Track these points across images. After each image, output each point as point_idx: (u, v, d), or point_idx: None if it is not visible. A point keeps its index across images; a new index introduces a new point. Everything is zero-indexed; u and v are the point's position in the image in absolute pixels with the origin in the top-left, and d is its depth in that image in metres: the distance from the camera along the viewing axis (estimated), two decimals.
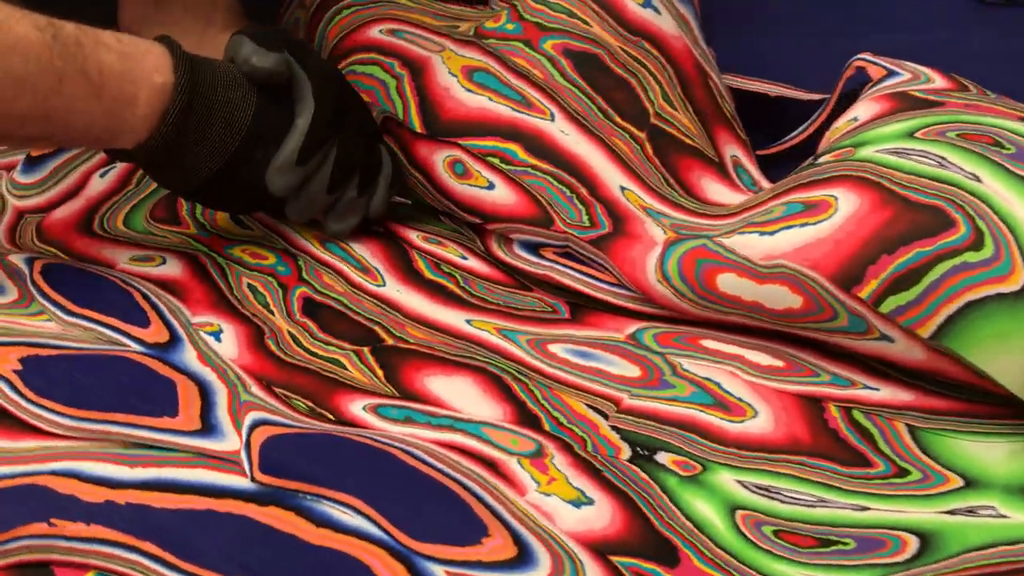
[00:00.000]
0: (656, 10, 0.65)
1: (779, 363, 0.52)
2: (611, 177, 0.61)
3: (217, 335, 0.55)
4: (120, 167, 0.71)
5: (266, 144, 0.56)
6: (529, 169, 0.61)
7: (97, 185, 0.70)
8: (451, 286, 0.60)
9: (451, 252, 0.63)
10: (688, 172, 0.63)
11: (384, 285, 0.60)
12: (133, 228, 0.66)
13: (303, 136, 0.56)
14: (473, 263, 0.62)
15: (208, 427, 0.47)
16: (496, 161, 0.61)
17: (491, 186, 0.61)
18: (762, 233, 0.52)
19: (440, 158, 0.63)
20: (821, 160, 0.55)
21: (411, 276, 0.61)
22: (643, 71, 0.63)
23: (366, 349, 0.55)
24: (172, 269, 0.61)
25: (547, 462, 0.46)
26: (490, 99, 0.63)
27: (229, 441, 0.47)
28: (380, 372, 0.53)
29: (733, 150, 0.65)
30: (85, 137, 0.55)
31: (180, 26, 0.73)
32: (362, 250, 0.63)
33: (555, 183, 0.60)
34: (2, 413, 0.48)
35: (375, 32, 0.70)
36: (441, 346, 0.55)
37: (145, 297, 0.57)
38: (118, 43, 0.52)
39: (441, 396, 0.51)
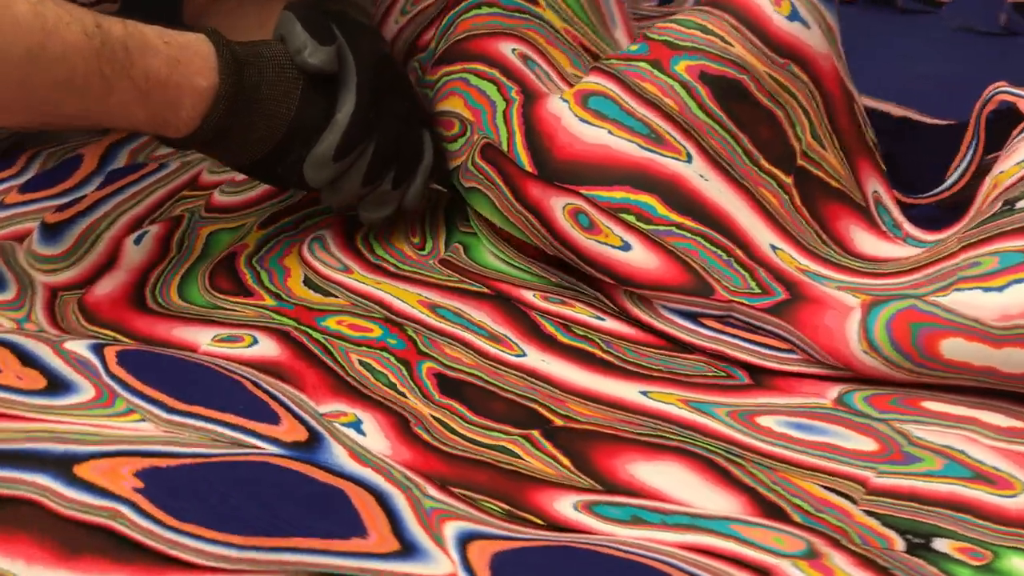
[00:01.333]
0: (804, 23, 0.58)
1: (1018, 423, 0.46)
2: (761, 235, 0.54)
3: (357, 426, 0.46)
4: (153, 230, 0.62)
5: (306, 136, 0.56)
6: (673, 228, 0.53)
7: (135, 254, 0.60)
8: (596, 352, 0.52)
9: (581, 312, 0.55)
10: (836, 221, 0.56)
11: (525, 355, 0.52)
12: (192, 301, 0.56)
13: (342, 132, 0.56)
14: (611, 324, 0.55)
15: (408, 547, 0.38)
16: (631, 219, 0.54)
17: (627, 246, 0.54)
18: (986, 289, 0.46)
19: (559, 204, 0.56)
20: (1020, 207, 0.50)
21: (547, 342, 0.53)
22: (791, 102, 0.56)
23: (536, 432, 0.46)
24: (268, 349, 0.51)
25: (827, 563, 0.38)
26: (611, 132, 0.55)
27: (439, 563, 0.37)
28: (566, 460, 0.44)
29: (875, 185, 0.59)
30: (130, 129, 0.59)
31: (242, 7, 0.72)
32: (480, 315, 0.55)
33: (707, 245, 0.53)
34: (133, 546, 0.37)
35: (507, 50, 0.63)
36: (622, 424, 0.47)
37: (258, 386, 0.47)
38: (165, 46, 0.52)
39: (657, 487, 0.42)
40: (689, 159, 0.54)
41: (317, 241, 0.63)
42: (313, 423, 0.45)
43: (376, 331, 0.53)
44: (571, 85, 0.61)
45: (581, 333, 0.54)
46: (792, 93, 0.57)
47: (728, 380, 0.50)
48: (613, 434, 0.46)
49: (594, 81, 0.57)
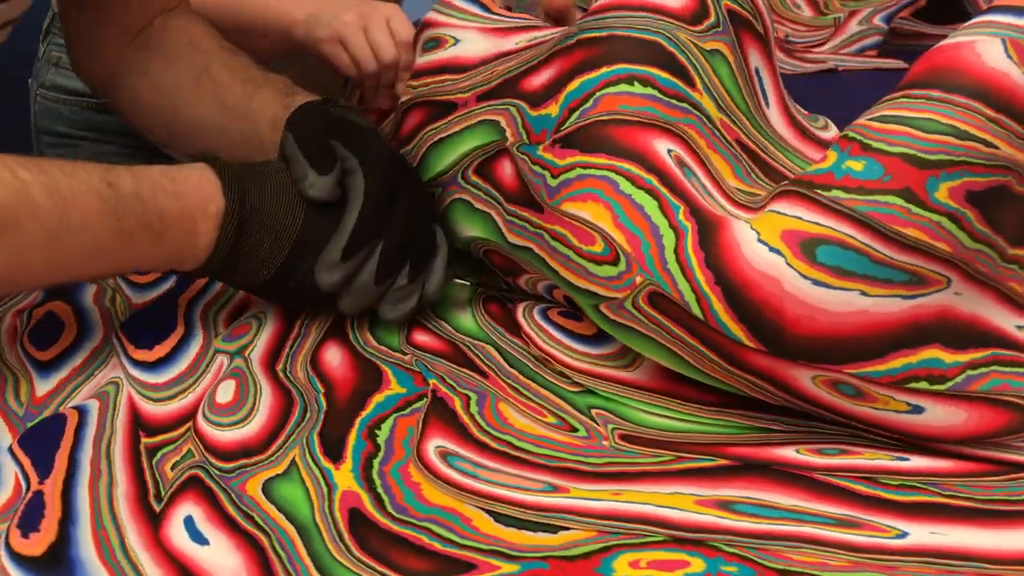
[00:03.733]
0: None
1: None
2: (1007, 322, 0.48)
3: None
4: None
5: (316, 247, 0.55)
6: (968, 373, 0.46)
7: None
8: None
9: (870, 458, 0.47)
10: None
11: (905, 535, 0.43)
12: None
13: (348, 235, 0.55)
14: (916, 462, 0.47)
15: None
16: (923, 385, 0.46)
17: (917, 410, 0.46)
18: None
19: (805, 376, 0.47)
20: None
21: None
22: None
23: None
24: None
25: None
26: (865, 293, 0.45)
27: None
28: None
29: None
30: (147, 270, 0.61)
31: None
32: (772, 496, 0.45)
33: (1003, 368, 0.47)
34: None
35: (662, 150, 0.51)
36: None
37: None
38: (171, 183, 0.52)
39: None
40: (948, 283, 0.47)
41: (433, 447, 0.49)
42: None
43: (696, 564, 0.42)
44: (734, 202, 0.51)
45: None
46: None
47: None
48: None
49: (812, 221, 0.46)
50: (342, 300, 0.57)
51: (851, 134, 0.48)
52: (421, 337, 0.60)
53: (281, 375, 0.55)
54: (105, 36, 0.72)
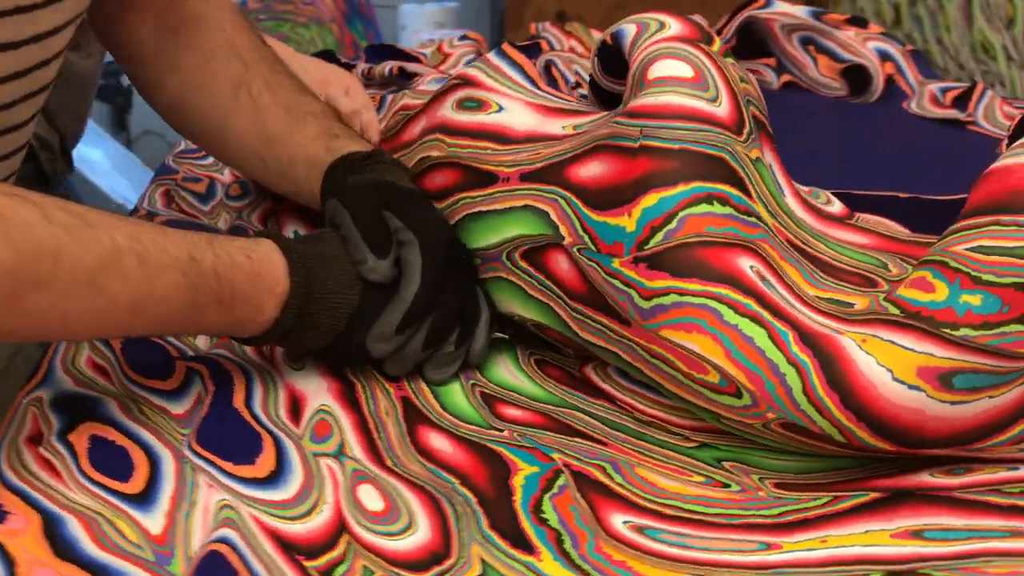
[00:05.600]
0: None
1: None
2: None
3: None
4: None
5: (370, 319, 0.58)
6: None
7: None
8: None
9: None
10: None
11: None
12: None
13: (404, 310, 0.58)
14: None
15: None
16: None
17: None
18: None
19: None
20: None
21: None
22: None
23: None
24: None
25: None
26: (991, 397, 0.49)
27: None
28: None
29: None
30: (209, 335, 0.64)
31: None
32: None
33: None
34: None
35: (747, 268, 0.53)
36: None
37: None
38: (248, 261, 0.55)
39: None
40: None
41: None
42: None
43: None
44: (821, 312, 0.52)
45: None
46: None
47: None
48: None
49: (946, 356, 0.49)
50: (389, 365, 0.60)
51: (953, 264, 0.51)
52: (509, 411, 0.59)
53: (398, 471, 0.53)
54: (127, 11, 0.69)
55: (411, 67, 1.29)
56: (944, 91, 1.20)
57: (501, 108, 0.66)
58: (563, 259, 0.59)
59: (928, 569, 0.46)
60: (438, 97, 0.70)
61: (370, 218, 0.59)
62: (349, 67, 1.36)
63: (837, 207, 0.68)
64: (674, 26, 0.62)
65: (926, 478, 0.53)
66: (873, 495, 0.52)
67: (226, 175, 1.00)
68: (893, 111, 1.21)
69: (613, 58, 0.65)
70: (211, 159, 1.07)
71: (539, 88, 0.69)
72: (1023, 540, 0.48)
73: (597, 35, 1.45)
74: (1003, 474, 0.53)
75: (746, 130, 0.59)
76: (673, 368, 0.54)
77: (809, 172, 0.94)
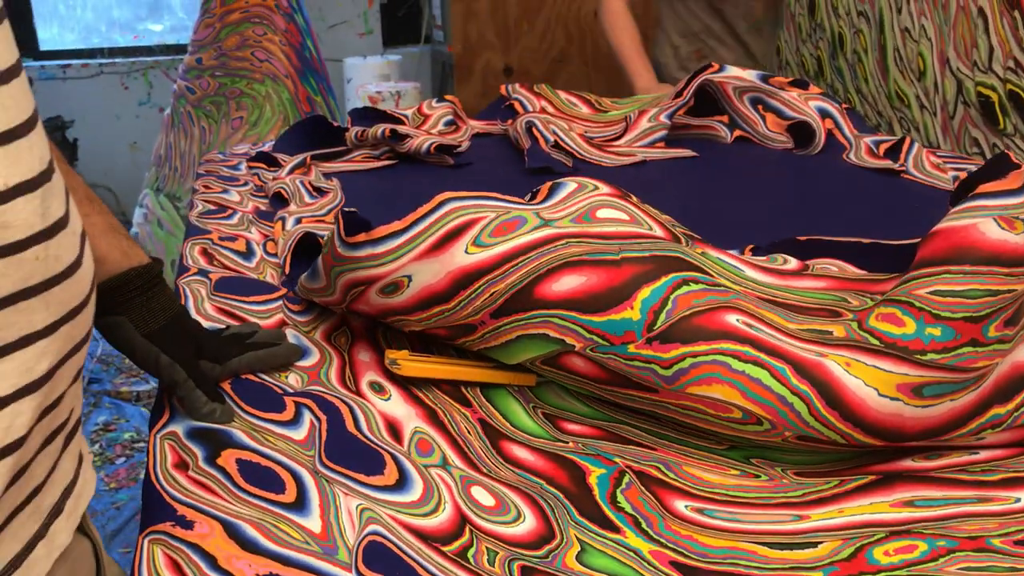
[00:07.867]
0: None
1: None
2: None
3: None
4: None
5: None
6: None
7: None
8: None
9: None
10: None
11: None
12: None
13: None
14: None
15: None
16: (987, 432, 0.66)
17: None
18: None
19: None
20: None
21: None
22: None
23: None
24: None
25: None
26: (953, 400, 0.65)
27: None
28: None
29: None
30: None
31: None
32: None
33: None
34: None
35: (732, 320, 0.66)
36: None
37: None
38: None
39: None
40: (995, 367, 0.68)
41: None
42: None
43: (920, 545, 0.59)
44: (805, 340, 0.66)
45: None
46: None
47: None
48: None
49: (918, 375, 0.64)
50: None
51: (917, 304, 0.66)
52: (570, 426, 0.73)
53: (495, 476, 0.66)
54: None
55: (403, 129, 1.42)
56: (877, 143, 1.38)
57: (410, 279, 0.74)
58: (578, 360, 0.71)
59: (920, 528, 0.61)
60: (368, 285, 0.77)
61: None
62: (342, 131, 1.49)
63: (793, 263, 0.83)
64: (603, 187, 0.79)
65: (909, 463, 0.67)
66: (871, 477, 0.66)
67: (254, 233, 1.11)
68: (834, 161, 1.38)
69: None
70: (236, 218, 1.18)
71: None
72: (988, 504, 0.63)
73: (562, 94, 1.60)
74: (967, 457, 0.68)
75: (682, 241, 0.76)
76: (703, 413, 0.68)
77: (769, 215, 1.10)
